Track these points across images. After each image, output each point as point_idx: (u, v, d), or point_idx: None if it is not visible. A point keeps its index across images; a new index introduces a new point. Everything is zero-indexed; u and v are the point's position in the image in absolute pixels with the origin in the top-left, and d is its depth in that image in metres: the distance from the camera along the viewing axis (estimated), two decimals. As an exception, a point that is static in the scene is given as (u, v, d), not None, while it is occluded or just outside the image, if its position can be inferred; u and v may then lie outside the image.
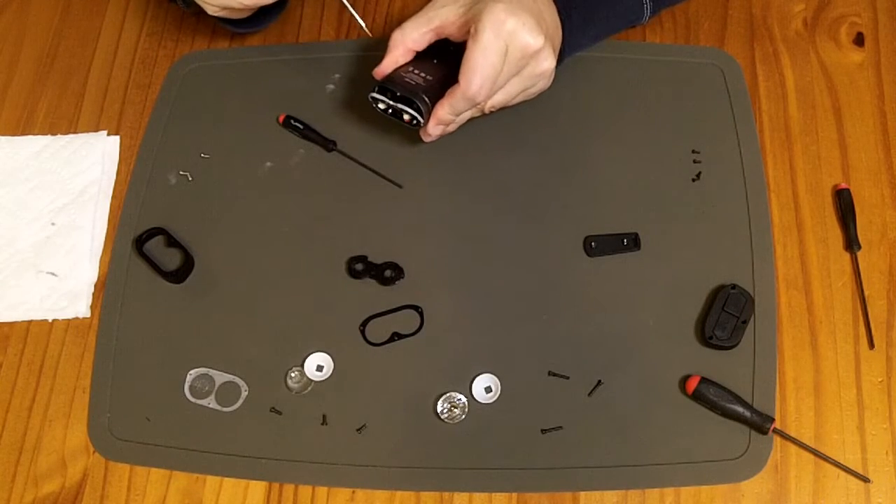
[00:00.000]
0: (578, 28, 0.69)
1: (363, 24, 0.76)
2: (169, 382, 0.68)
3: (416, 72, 0.67)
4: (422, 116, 0.66)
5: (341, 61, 0.78)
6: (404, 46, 0.67)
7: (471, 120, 0.70)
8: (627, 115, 0.74)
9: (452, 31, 0.66)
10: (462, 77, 0.63)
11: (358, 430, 0.65)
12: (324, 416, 0.66)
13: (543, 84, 0.68)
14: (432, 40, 0.68)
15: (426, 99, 0.66)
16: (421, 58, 0.69)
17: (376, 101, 0.68)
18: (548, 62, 0.65)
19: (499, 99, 0.67)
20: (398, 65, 0.68)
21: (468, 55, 0.63)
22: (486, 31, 0.62)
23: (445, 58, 0.68)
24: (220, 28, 0.82)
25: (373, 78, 0.68)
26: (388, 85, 0.66)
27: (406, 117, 0.67)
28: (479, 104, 0.66)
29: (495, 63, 0.63)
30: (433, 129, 0.67)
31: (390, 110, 0.68)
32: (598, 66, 0.76)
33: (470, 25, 0.63)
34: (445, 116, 0.66)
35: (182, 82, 0.80)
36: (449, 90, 0.65)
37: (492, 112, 0.69)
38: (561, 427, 0.64)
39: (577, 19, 0.69)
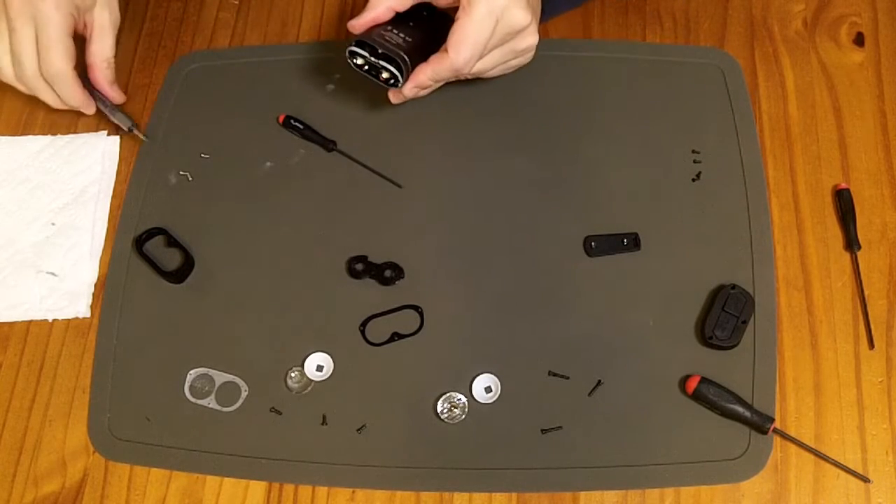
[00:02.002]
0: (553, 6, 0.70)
1: (130, 126, 0.76)
2: (169, 382, 0.67)
3: (395, 31, 0.67)
4: (401, 76, 0.66)
5: (341, 61, 0.78)
6: (387, 5, 0.66)
7: (470, 120, 0.70)
8: (627, 115, 0.74)
9: None
10: (451, 48, 0.64)
11: (358, 430, 0.65)
12: (324, 416, 0.66)
13: (524, 59, 0.69)
14: (416, 1, 0.67)
15: (407, 59, 0.66)
16: (398, 20, 0.68)
17: (354, 55, 0.67)
18: (531, 38, 0.66)
19: (477, 68, 0.67)
20: (377, 23, 0.67)
21: (459, 27, 0.63)
22: (480, 5, 0.62)
23: (421, 22, 0.68)
24: (220, 28, 0.82)
25: (349, 34, 0.68)
26: (369, 41, 0.66)
27: (384, 75, 0.67)
28: (462, 75, 0.66)
29: (485, 37, 0.63)
30: (409, 92, 0.67)
31: (367, 66, 0.67)
32: (598, 66, 0.76)
33: None
34: (426, 81, 0.66)
35: (182, 82, 0.80)
36: (434, 57, 0.65)
37: (467, 78, 0.68)
38: (561, 427, 0.64)
39: None
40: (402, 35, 0.67)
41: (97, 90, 0.76)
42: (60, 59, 0.70)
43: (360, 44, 0.67)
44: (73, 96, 0.73)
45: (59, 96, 0.73)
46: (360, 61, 0.67)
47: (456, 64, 0.64)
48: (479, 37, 0.63)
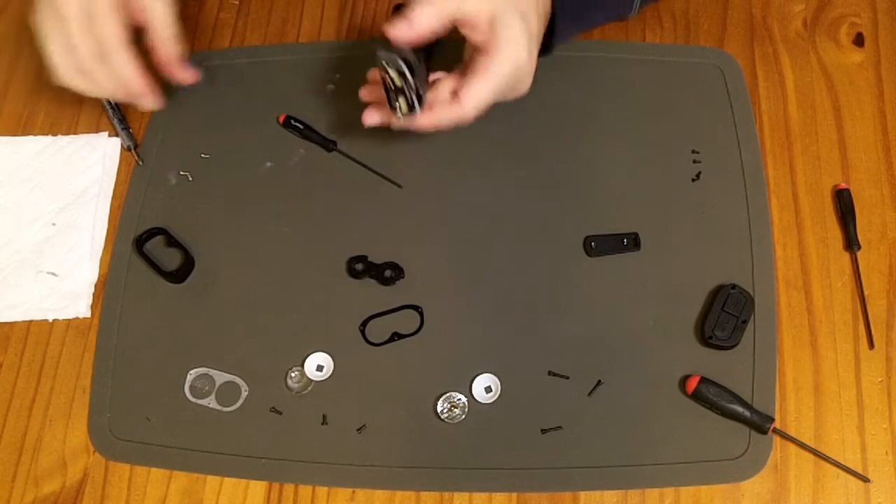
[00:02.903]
0: (566, 28, 0.69)
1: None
2: (169, 382, 0.68)
3: (425, 67, 0.64)
4: (410, 111, 0.63)
5: (341, 61, 0.78)
6: (431, 28, 0.62)
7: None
8: (627, 115, 0.74)
9: (469, 31, 0.64)
10: (465, 99, 0.62)
11: (358, 430, 0.65)
12: (324, 416, 0.66)
13: (513, 97, 0.67)
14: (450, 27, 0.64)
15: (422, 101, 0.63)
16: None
17: (391, 64, 0.61)
18: (526, 85, 0.65)
19: None
20: (418, 42, 0.63)
21: (478, 83, 0.62)
22: (505, 65, 0.62)
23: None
24: (220, 28, 0.82)
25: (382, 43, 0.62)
26: (416, 79, 0.62)
27: (396, 104, 0.63)
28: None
29: (498, 94, 0.63)
30: (404, 125, 0.65)
31: (392, 82, 0.62)
32: (598, 66, 0.76)
33: (488, 35, 0.62)
34: (427, 126, 0.64)
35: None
36: (443, 105, 0.63)
37: None
38: (561, 427, 0.64)
39: (568, 15, 0.68)
40: (427, 71, 0.64)
41: (166, 76, 0.70)
42: (112, 31, 0.64)
43: (406, 62, 0.61)
44: (130, 76, 0.66)
45: (118, 82, 0.66)
46: (393, 75, 0.62)
47: (465, 117, 0.63)
48: (493, 95, 0.63)
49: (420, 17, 0.62)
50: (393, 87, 0.62)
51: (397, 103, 0.63)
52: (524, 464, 0.63)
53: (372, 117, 0.68)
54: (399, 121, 0.64)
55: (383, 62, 0.61)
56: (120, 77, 0.66)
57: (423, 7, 0.62)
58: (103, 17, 0.64)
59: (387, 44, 0.63)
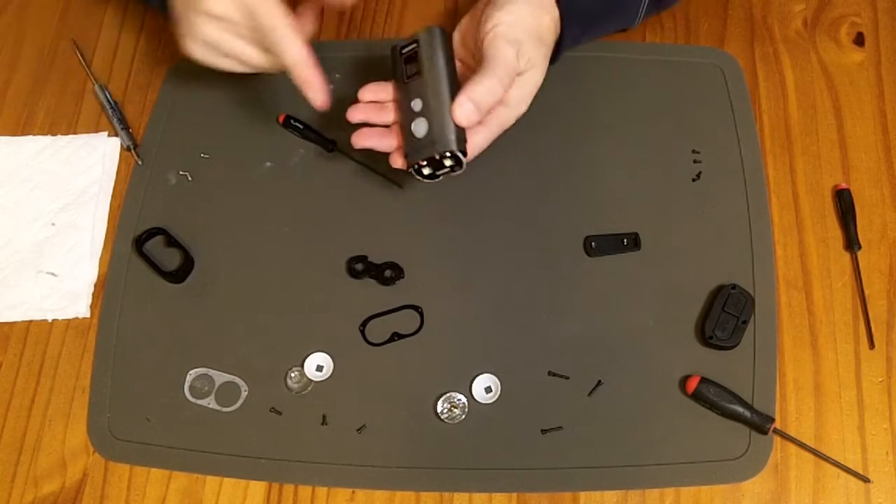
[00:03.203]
0: (574, 38, 0.69)
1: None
2: (169, 382, 0.67)
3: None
4: (426, 179, 0.64)
5: (341, 61, 0.78)
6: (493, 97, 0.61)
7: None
8: (627, 115, 0.74)
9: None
10: (470, 153, 0.62)
11: (358, 430, 0.65)
12: (324, 416, 0.66)
13: None
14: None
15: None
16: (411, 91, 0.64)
17: (448, 156, 0.61)
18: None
19: None
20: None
21: (483, 133, 0.62)
22: (511, 120, 0.63)
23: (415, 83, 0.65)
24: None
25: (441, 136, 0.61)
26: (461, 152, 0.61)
27: (420, 168, 0.63)
28: None
29: (493, 139, 0.64)
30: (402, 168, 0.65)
31: (434, 158, 0.61)
32: (598, 66, 0.76)
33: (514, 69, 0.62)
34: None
35: (182, 82, 0.79)
36: None
37: None
38: (561, 427, 0.64)
39: (575, 30, 0.68)
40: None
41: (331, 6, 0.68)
42: (274, 13, 0.60)
43: (464, 154, 0.61)
44: (302, 56, 0.62)
45: (293, 65, 0.62)
46: (448, 163, 0.61)
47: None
48: (491, 140, 0.63)
49: (483, 96, 0.60)
50: (436, 162, 0.62)
51: (424, 169, 0.62)
52: (524, 464, 0.63)
53: (364, 140, 0.66)
54: (405, 169, 0.64)
55: (446, 153, 0.60)
56: (292, 59, 0.62)
57: (482, 81, 0.60)
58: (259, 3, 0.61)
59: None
